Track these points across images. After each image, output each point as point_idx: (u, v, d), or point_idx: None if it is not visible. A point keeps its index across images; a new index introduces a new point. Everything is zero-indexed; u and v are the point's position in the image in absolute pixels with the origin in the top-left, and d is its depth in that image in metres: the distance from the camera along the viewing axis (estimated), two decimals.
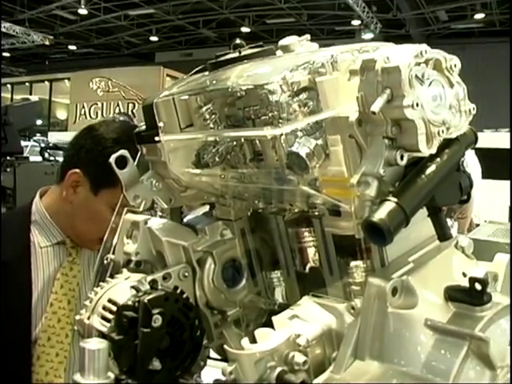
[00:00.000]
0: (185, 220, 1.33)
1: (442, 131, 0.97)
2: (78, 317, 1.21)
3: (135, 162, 1.27)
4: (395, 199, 0.93)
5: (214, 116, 1.18)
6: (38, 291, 1.92)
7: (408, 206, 0.93)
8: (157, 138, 1.20)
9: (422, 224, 1.09)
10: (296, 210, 1.19)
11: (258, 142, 1.10)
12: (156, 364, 1.13)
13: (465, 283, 1.04)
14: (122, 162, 1.23)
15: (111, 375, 0.93)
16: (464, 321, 1.00)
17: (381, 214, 0.92)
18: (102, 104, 20.64)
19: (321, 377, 1.03)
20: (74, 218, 1.99)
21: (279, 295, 1.26)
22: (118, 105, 20.32)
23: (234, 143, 1.13)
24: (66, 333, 1.95)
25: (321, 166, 1.01)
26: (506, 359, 0.99)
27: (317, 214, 1.14)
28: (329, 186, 1.03)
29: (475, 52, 18.76)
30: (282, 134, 1.00)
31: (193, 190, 1.27)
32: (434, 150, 0.97)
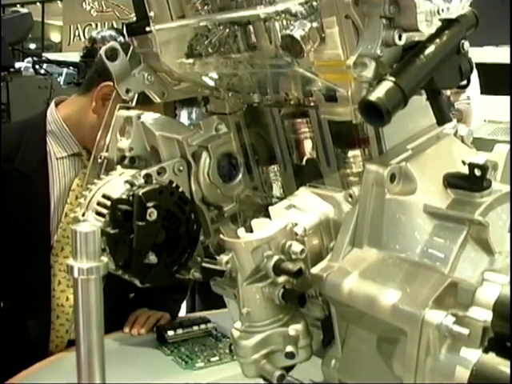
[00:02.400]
0: None
1: (442, 10, 0.93)
2: (72, 215, 1.20)
3: (127, 56, 1.23)
4: (393, 78, 0.90)
5: (206, 7, 1.14)
6: (54, 202, 1.91)
7: (406, 86, 0.90)
8: (147, 29, 1.16)
9: (420, 113, 1.07)
10: (292, 102, 1.16)
11: (251, 28, 1.07)
12: (152, 258, 1.12)
13: (464, 171, 1.02)
14: (112, 55, 1.19)
15: (104, 259, 0.91)
16: (463, 207, 0.98)
17: (378, 93, 0.89)
18: (96, 25, 20.28)
19: (318, 265, 1.02)
20: (98, 130, 1.93)
21: (276, 190, 1.24)
22: (112, 25, 19.98)
23: (227, 31, 1.10)
24: None
25: (316, 50, 0.97)
26: (504, 245, 0.98)
27: (312, 104, 1.12)
28: (325, 71, 0.99)
29: None
30: (275, 12, 0.96)
31: (186, 83, 1.24)
32: (433, 30, 0.93)
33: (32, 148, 1.94)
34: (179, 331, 1.78)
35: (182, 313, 2.25)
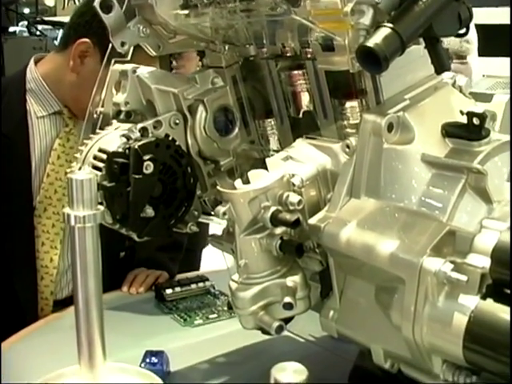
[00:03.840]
0: None
1: None
2: (68, 170, 1.19)
3: (122, 9, 1.21)
4: (391, 25, 0.89)
5: None
6: (35, 162, 1.89)
7: (404, 32, 0.89)
8: None
9: (418, 63, 1.06)
10: (288, 54, 1.15)
11: None
12: (149, 211, 1.12)
13: (462, 121, 1.01)
14: (107, 7, 1.18)
15: (100, 207, 0.91)
16: (461, 156, 0.98)
17: (376, 39, 0.88)
18: None
19: (316, 216, 1.02)
20: (78, 89, 1.90)
21: (273, 144, 1.24)
22: None
23: None
24: (63, 204, 1.93)
25: None
26: (502, 194, 0.97)
27: (309, 56, 1.10)
28: (322, 20, 0.98)
29: None
30: None
31: (181, 36, 1.23)
32: None
33: (12, 107, 1.90)
34: (177, 289, 1.78)
35: None
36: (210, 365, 1.45)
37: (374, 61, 0.88)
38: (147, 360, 1.35)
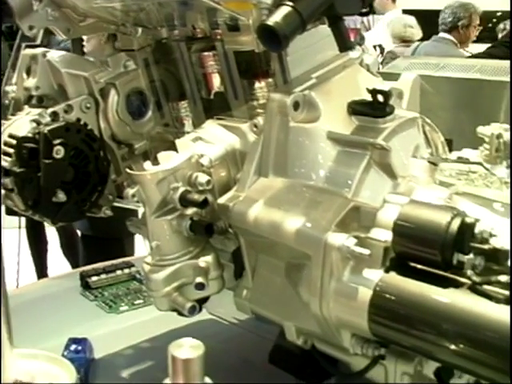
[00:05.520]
0: None
1: None
2: None
3: None
4: (291, 3, 0.89)
5: None
6: None
7: (305, 10, 0.89)
8: None
9: (326, 42, 1.07)
10: (199, 36, 1.15)
11: None
12: (61, 196, 1.11)
13: (369, 99, 1.03)
14: None
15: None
16: (367, 132, 0.99)
17: (276, 17, 0.88)
18: None
19: (225, 196, 1.03)
20: None
21: (188, 126, 1.23)
22: None
23: None
24: None
25: None
26: (408, 170, 0.99)
27: (219, 37, 1.10)
28: (226, 0, 0.99)
29: None
30: None
31: (92, 19, 1.22)
32: None
33: None
34: (103, 276, 1.77)
35: None
36: (134, 350, 1.45)
37: (274, 39, 0.89)
38: (70, 348, 1.33)
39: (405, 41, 5.24)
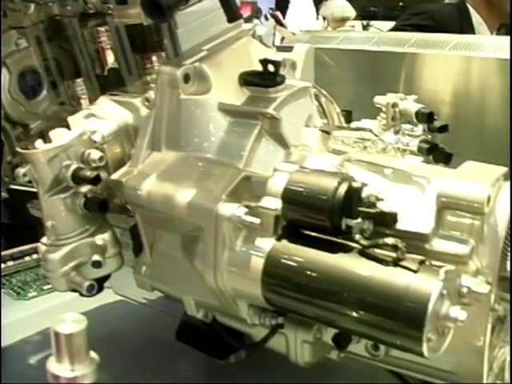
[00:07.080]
0: None
1: None
2: None
3: None
4: None
5: None
6: None
7: None
8: None
9: (218, 14, 1.06)
10: (91, 11, 1.13)
11: None
12: None
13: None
14: None
15: None
16: (258, 103, 0.99)
17: None
18: None
19: (118, 171, 1.01)
20: None
21: (85, 104, 1.22)
22: None
23: None
24: None
25: None
26: (300, 139, 1.00)
27: (110, 12, 1.09)
28: None
29: None
30: None
31: None
32: None
33: None
34: (10, 263, 1.73)
35: None
36: (42, 336, 1.42)
37: (158, 10, 0.88)
38: None
39: (342, 20, 5.40)
